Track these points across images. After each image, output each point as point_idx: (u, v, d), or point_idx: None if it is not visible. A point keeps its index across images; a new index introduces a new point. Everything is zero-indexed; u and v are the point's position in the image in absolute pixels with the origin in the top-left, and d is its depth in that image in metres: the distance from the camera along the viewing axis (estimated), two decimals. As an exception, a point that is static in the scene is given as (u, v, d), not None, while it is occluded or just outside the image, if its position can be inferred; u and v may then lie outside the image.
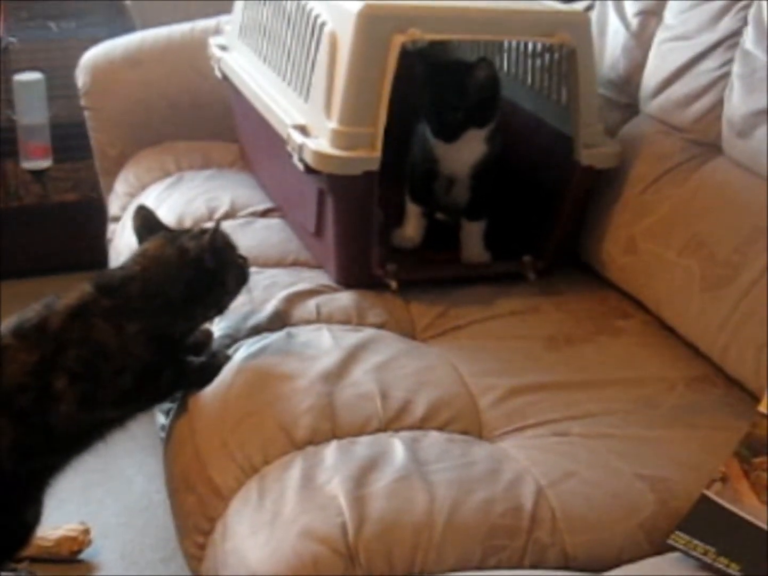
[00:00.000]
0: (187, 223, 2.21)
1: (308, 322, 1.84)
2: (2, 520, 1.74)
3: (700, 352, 1.81)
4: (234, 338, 1.80)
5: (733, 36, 1.90)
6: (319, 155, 1.82)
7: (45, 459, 1.74)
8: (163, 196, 2.36)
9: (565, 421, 1.62)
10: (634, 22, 2.11)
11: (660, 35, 2.05)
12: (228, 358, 1.74)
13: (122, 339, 1.65)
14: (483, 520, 1.40)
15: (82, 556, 2.18)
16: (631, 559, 1.39)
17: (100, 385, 1.66)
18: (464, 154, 2.00)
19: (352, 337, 1.78)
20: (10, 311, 1.76)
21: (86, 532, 2.19)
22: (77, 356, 1.66)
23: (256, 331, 1.81)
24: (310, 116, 1.91)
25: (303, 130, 1.89)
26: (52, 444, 1.71)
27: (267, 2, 2.21)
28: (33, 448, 1.69)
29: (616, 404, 1.68)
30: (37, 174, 3.13)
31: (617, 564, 1.38)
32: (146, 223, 1.81)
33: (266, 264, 2.03)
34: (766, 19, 1.84)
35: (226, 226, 2.15)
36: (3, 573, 1.95)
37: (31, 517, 1.80)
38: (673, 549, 1.34)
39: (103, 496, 2.38)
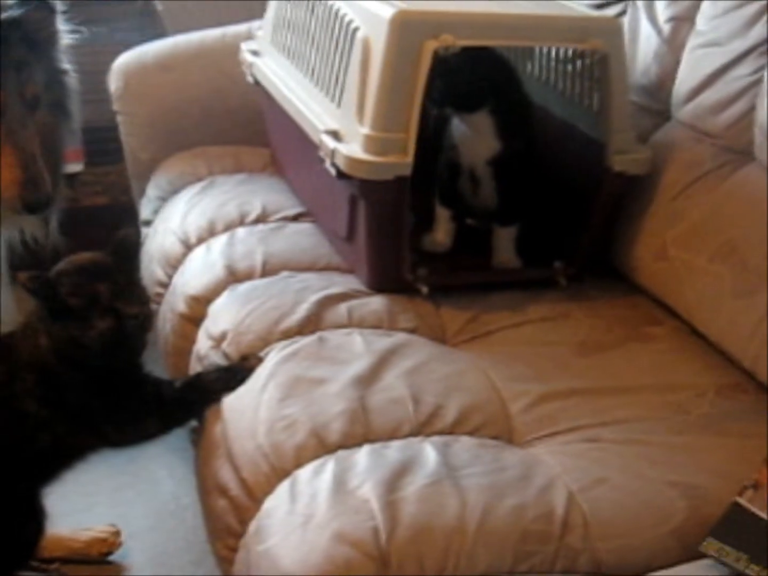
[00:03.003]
0: (219, 228, 2.22)
1: (340, 326, 1.84)
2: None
3: (730, 359, 1.81)
4: (266, 341, 1.81)
5: (766, 42, 1.88)
6: (352, 160, 1.82)
7: (34, 482, 1.76)
8: (195, 201, 2.37)
9: (595, 427, 1.62)
10: (666, 28, 2.10)
11: (692, 41, 2.04)
12: (260, 360, 1.75)
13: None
14: (514, 526, 1.40)
15: (113, 557, 2.18)
16: (662, 566, 1.39)
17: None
18: (478, 143, 2.01)
19: (383, 341, 1.78)
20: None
21: (116, 533, 2.20)
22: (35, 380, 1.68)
23: (288, 335, 1.82)
24: (342, 121, 1.92)
25: (335, 135, 1.89)
26: (42, 468, 1.73)
27: (299, 8, 2.21)
28: (13, 472, 1.70)
29: (647, 411, 1.67)
30: (69, 177, 3.14)
31: (648, 570, 1.38)
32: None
33: (297, 268, 2.04)
34: (798, 26, 1.84)
35: (258, 230, 2.17)
36: (34, 574, 1.97)
37: (32, 531, 1.81)
38: (704, 556, 1.33)
39: (133, 499, 2.38)
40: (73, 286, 1.65)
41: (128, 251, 1.74)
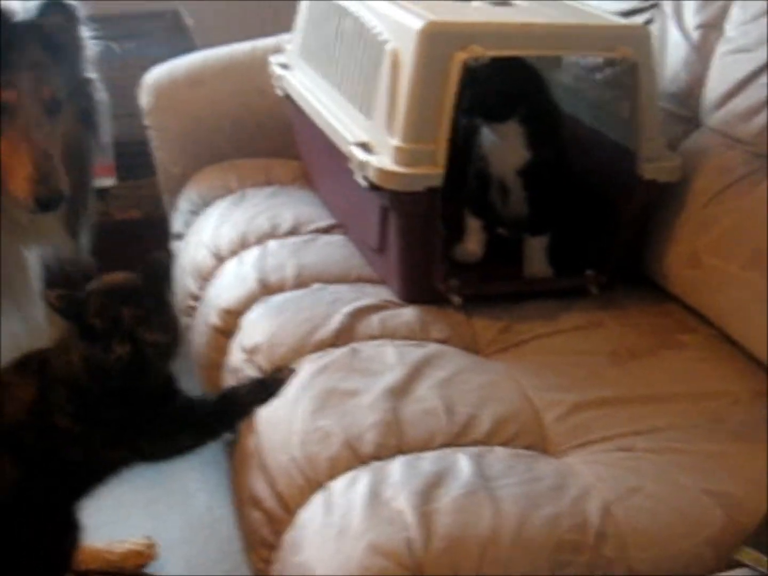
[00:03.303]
0: (251, 240, 2.23)
1: (372, 337, 1.85)
2: (35, 551, 1.76)
3: (765, 366, 1.80)
4: (299, 353, 1.82)
5: (796, 48, 1.89)
6: (382, 172, 1.83)
7: (68, 496, 1.77)
8: (227, 214, 2.39)
9: (630, 436, 1.62)
10: (694, 35, 2.10)
11: (721, 48, 2.04)
12: (292, 372, 1.76)
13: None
14: (549, 536, 1.40)
15: (148, 569, 2.19)
16: (697, 575, 1.38)
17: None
18: (508, 153, 2.01)
19: (416, 352, 1.79)
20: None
21: (151, 546, 2.21)
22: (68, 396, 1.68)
23: (321, 346, 1.83)
24: (372, 133, 1.92)
25: (365, 147, 1.90)
26: (75, 482, 1.74)
27: (328, 20, 2.22)
28: (47, 486, 1.71)
29: (681, 419, 1.67)
30: (101, 192, 3.17)
31: (684, 580, 1.38)
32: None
33: (329, 280, 2.04)
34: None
35: (290, 242, 2.18)
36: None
37: (68, 544, 1.82)
38: (740, 565, 1.34)
39: (167, 511, 2.39)
40: (98, 308, 1.65)
41: (159, 275, 1.73)
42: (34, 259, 2.07)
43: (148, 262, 1.72)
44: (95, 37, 2.01)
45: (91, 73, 2.02)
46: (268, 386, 1.75)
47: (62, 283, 1.95)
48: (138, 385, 1.67)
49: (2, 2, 1.85)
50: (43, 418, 1.68)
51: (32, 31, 1.87)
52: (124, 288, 1.68)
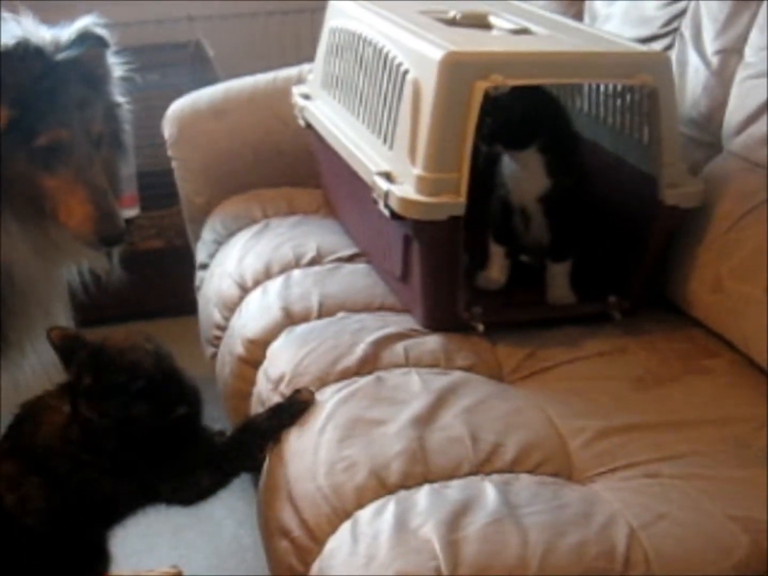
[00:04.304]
0: (275, 270, 2.24)
1: (397, 366, 1.85)
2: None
3: (790, 391, 1.80)
4: (324, 382, 1.82)
5: (815, 73, 1.89)
6: (405, 201, 1.84)
7: (96, 524, 1.78)
8: (251, 244, 2.40)
9: (655, 462, 1.61)
10: (714, 60, 2.10)
11: (741, 73, 2.04)
12: (311, 393, 1.77)
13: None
14: (576, 563, 1.40)
15: (175, 598, 2.21)
16: (726, 601, 1.38)
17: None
18: (528, 181, 2.02)
19: (440, 380, 1.79)
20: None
21: (179, 575, 2.22)
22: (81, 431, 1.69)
23: (346, 375, 1.83)
24: (394, 163, 1.93)
25: (388, 176, 1.91)
26: (103, 511, 1.75)
27: (349, 51, 2.24)
28: (75, 513, 1.72)
29: (706, 445, 1.66)
30: (126, 222, 3.19)
31: (711, 606, 1.38)
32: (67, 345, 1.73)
33: (353, 309, 2.05)
34: None
35: (314, 272, 2.19)
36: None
37: (97, 574, 1.83)
38: (768, 591, 1.33)
39: (194, 540, 2.40)
40: (92, 368, 1.66)
41: (161, 353, 1.72)
42: (62, 284, 2.09)
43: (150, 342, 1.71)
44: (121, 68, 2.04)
45: (120, 97, 2.04)
46: (286, 410, 1.75)
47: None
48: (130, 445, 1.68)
49: (39, 38, 1.87)
50: (72, 447, 1.69)
51: (74, 67, 1.89)
52: (123, 357, 1.67)
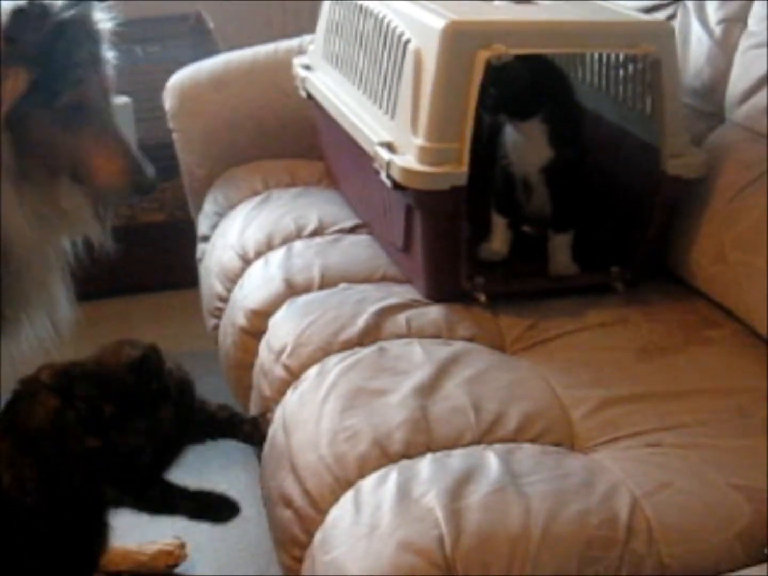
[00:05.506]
0: (277, 241, 2.24)
1: (399, 336, 1.85)
2: (61, 552, 1.78)
3: (792, 361, 1.80)
4: (326, 353, 1.83)
5: (819, 42, 1.88)
6: (407, 171, 1.83)
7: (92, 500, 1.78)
8: (252, 215, 2.40)
9: (658, 431, 1.62)
10: (717, 29, 2.09)
11: (744, 42, 2.03)
12: (269, 423, 1.79)
13: None
14: (579, 532, 1.40)
15: (178, 570, 2.21)
16: (728, 570, 1.38)
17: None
18: (531, 151, 2.02)
19: (442, 350, 1.79)
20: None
21: (182, 546, 2.22)
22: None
23: (348, 345, 1.83)
24: (396, 133, 1.93)
25: (390, 146, 1.91)
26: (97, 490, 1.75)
27: (350, 21, 2.23)
28: (69, 491, 1.72)
29: (709, 414, 1.66)
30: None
31: (714, 574, 1.38)
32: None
33: (355, 280, 2.05)
34: None
35: (316, 243, 2.19)
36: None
37: (96, 546, 1.85)
38: (771, 559, 1.34)
39: (197, 511, 2.40)
40: (83, 395, 1.65)
41: (150, 374, 1.70)
42: (61, 256, 2.09)
43: (140, 359, 1.68)
44: (119, 41, 2.03)
45: (109, 51, 2.03)
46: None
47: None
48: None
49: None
50: (62, 431, 1.69)
51: (80, 26, 1.88)
52: (114, 381, 1.67)
